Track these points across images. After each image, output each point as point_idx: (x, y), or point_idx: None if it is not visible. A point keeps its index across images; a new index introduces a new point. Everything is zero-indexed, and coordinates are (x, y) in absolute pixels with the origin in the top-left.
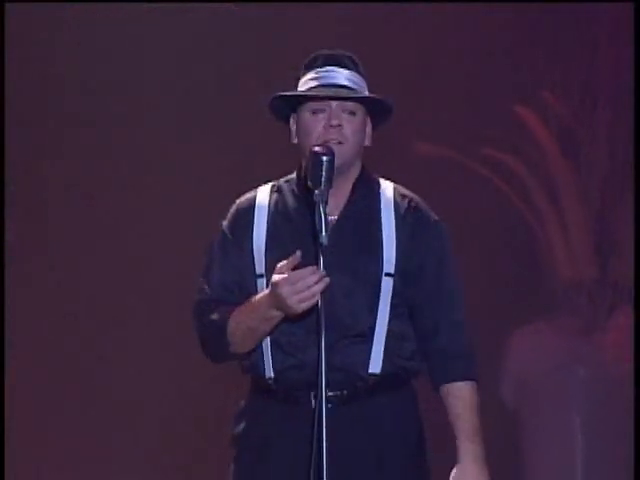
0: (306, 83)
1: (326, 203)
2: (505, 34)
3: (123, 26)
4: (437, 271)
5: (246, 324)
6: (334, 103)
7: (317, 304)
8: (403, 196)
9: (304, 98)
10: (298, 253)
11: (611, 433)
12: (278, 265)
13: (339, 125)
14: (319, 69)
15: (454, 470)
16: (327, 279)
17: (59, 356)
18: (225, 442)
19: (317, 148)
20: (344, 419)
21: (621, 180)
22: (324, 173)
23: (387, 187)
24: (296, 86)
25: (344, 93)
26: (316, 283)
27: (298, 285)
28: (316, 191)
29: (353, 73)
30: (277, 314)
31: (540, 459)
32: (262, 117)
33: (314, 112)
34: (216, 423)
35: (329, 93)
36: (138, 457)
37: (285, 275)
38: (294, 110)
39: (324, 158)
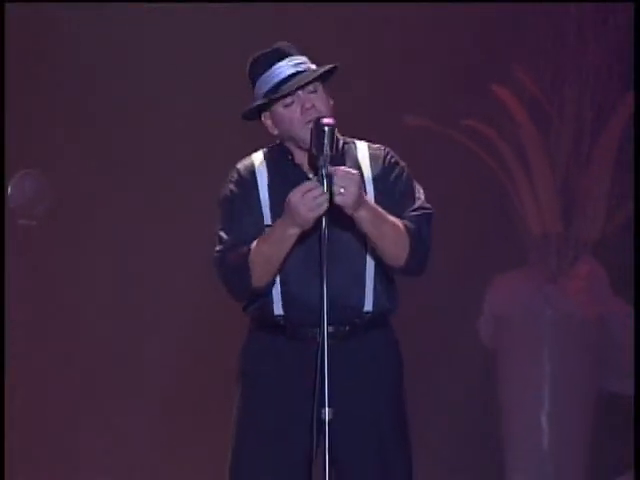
0: (267, 84)
1: (328, 167)
2: (489, 26)
3: (123, 26)
4: (407, 199)
5: (264, 252)
6: (300, 91)
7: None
8: (376, 148)
9: (273, 97)
10: (307, 182)
11: (572, 363)
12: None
13: (313, 107)
14: (274, 68)
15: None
16: (327, 195)
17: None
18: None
19: (320, 120)
20: (346, 352)
21: (585, 149)
22: (326, 140)
23: (361, 145)
24: (253, 88)
25: (302, 79)
26: (321, 196)
27: (306, 196)
28: (320, 156)
29: (295, 57)
30: (292, 232)
31: (513, 384)
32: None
33: (286, 106)
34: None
35: (293, 87)
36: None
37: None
38: (263, 109)
39: (326, 128)
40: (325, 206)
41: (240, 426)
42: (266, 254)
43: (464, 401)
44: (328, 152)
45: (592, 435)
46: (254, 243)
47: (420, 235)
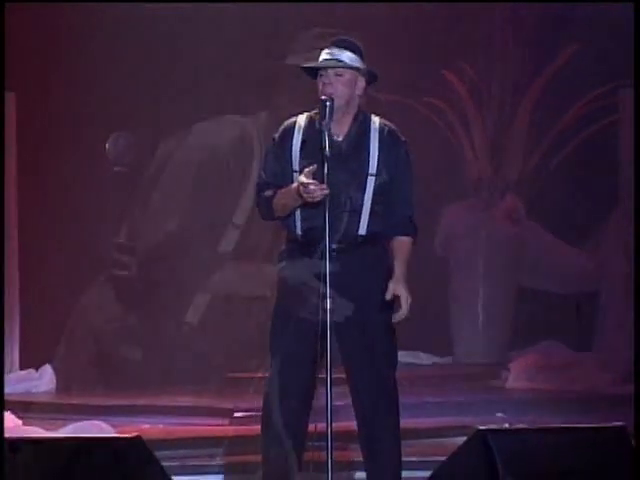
0: (318, 58)
1: (329, 130)
2: (442, 28)
3: (121, 26)
4: (401, 174)
5: (283, 201)
6: (329, 70)
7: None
8: (385, 124)
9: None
10: (315, 166)
11: (499, 267)
12: (305, 170)
13: (330, 84)
14: (326, 49)
15: (391, 282)
16: (327, 191)
17: None
18: None
19: (323, 97)
20: (343, 262)
21: (509, 116)
22: (327, 111)
23: (375, 119)
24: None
25: (330, 64)
26: (321, 190)
27: (309, 189)
28: (322, 123)
29: (343, 50)
30: (300, 200)
31: (458, 286)
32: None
33: (320, 76)
34: None
35: (319, 65)
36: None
37: (305, 180)
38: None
39: (327, 103)
40: (318, 199)
41: (273, 310)
42: (283, 205)
43: (422, 298)
44: (328, 120)
45: (512, 318)
46: (278, 192)
47: (414, 232)
